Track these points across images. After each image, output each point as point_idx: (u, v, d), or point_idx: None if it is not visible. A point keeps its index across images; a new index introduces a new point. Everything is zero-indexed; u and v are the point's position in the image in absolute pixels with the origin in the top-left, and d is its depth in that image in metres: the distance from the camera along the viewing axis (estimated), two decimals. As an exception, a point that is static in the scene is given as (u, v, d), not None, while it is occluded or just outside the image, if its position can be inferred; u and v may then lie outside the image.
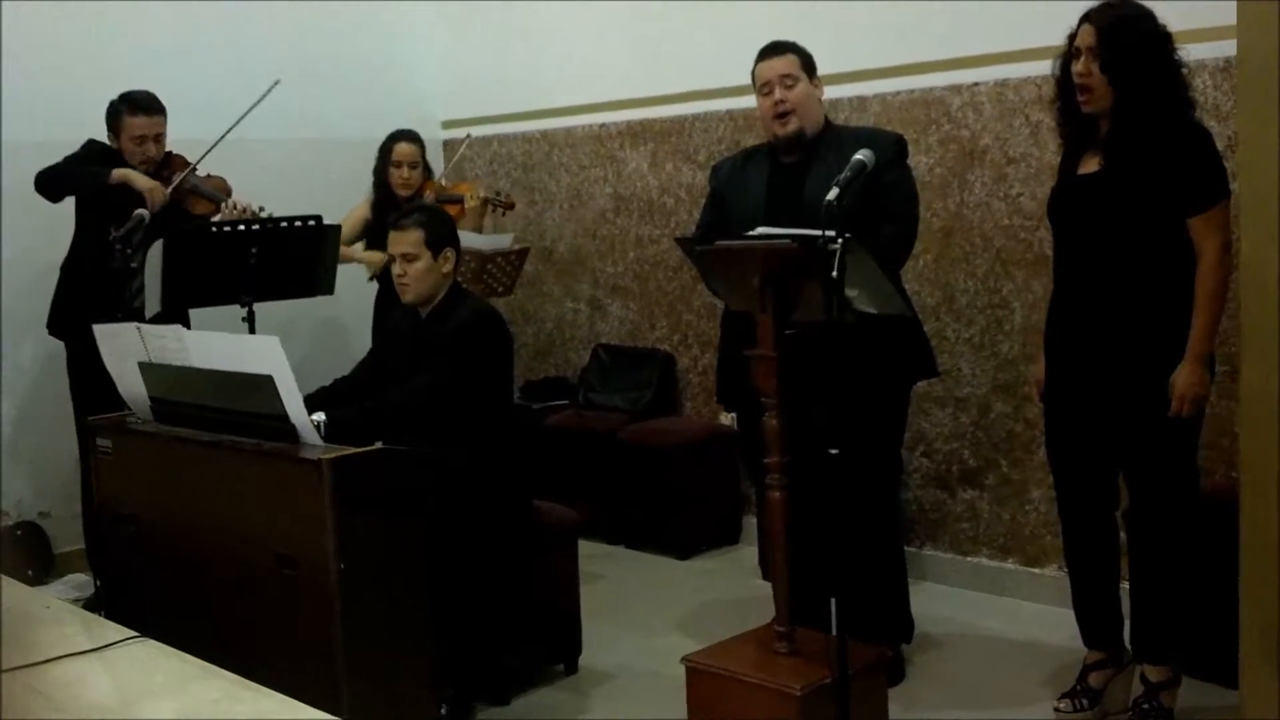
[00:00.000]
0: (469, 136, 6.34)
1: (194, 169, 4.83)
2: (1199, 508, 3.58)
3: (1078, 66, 3.44)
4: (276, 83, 4.71)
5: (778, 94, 3.89)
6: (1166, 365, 3.41)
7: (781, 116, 3.89)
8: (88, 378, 4.63)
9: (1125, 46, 3.37)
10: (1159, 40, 3.41)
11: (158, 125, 4.83)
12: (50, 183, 4.75)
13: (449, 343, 3.88)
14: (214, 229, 4.58)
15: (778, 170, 3.97)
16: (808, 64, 3.95)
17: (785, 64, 3.91)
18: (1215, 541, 3.44)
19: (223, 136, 4.79)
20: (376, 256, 5.27)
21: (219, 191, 4.90)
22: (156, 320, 4.16)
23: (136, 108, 4.79)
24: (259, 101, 4.73)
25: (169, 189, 4.72)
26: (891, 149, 3.89)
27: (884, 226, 3.75)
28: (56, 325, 4.97)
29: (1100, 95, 3.42)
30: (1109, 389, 3.51)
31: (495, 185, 6.22)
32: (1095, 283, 3.50)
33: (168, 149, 4.90)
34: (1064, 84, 3.54)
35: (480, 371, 3.90)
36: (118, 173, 4.71)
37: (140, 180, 4.71)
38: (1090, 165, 3.53)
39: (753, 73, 3.99)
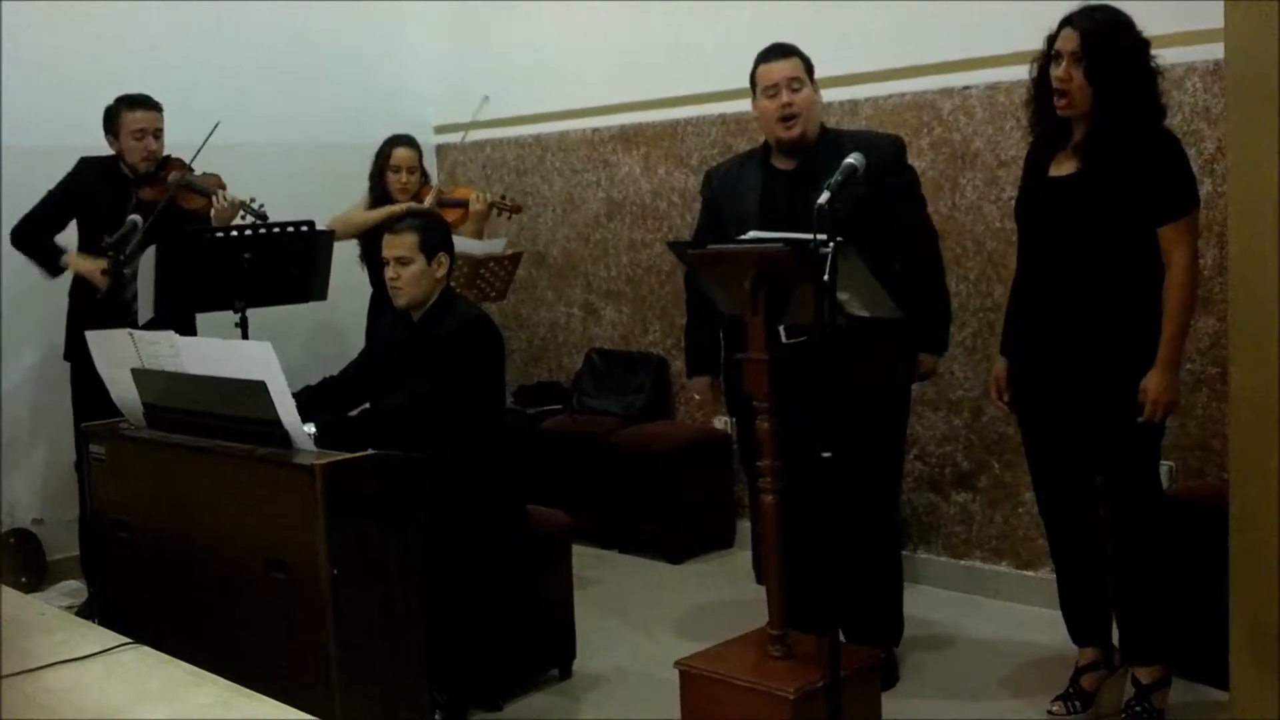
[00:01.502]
0: (486, 98, 6.31)
1: (190, 168, 4.87)
2: (1163, 509, 3.63)
3: (1058, 71, 3.44)
4: (217, 124, 4.77)
5: (785, 97, 3.85)
6: (1132, 370, 3.43)
7: (787, 120, 3.87)
8: (92, 393, 4.66)
9: (1108, 53, 3.37)
10: (1139, 48, 3.42)
11: (155, 120, 4.87)
12: (20, 244, 4.93)
13: (440, 349, 3.87)
14: (207, 235, 4.58)
15: (773, 177, 3.95)
16: (809, 68, 3.94)
17: (791, 67, 3.89)
18: (1205, 542, 3.45)
19: (193, 157, 4.83)
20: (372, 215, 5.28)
21: (212, 185, 4.93)
22: (151, 326, 4.17)
23: (134, 104, 4.85)
24: (205, 142, 4.78)
25: (164, 197, 4.75)
26: (890, 152, 3.91)
27: (898, 232, 3.77)
28: (70, 349, 4.96)
29: (1079, 100, 3.43)
30: (1077, 392, 3.53)
31: (493, 189, 6.22)
32: (1064, 285, 3.51)
33: (166, 152, 4.93)
34: (1040, 86, 3.55)
35: (472, 377, 3.90)
36: (66, 258, 4.85)
37: (84, 264, 4.77)
38: (1064, 167, 3.54)
39: (754, 74, 3.95)
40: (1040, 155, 3.62)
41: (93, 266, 4.71)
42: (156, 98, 4.91)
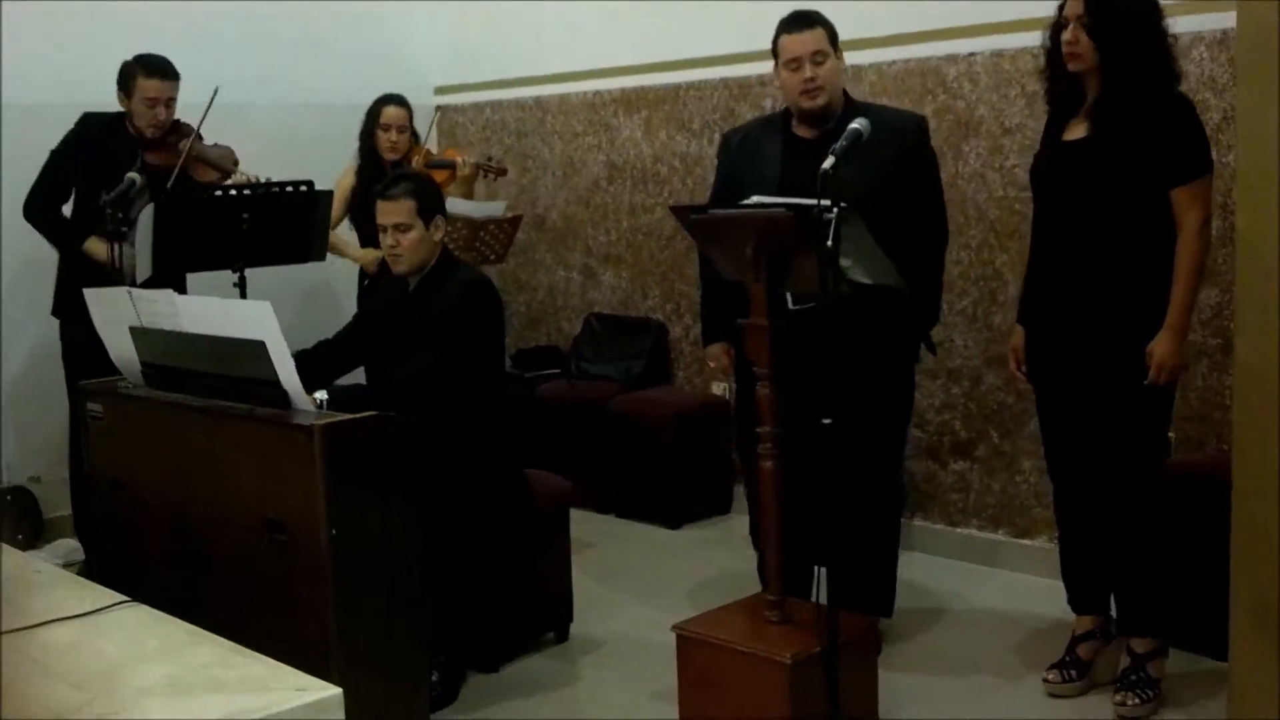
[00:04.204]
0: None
1: (199, 136, 4.81)
2: (1159, 472, 3.62)
3: (1066, 35, 3.44)
4: (217, 90, 4.66)
5: (808, 71, 3.74)
6: (1145, 334, 3.43)
7: (810, 92, 3.78)
8: (83, 351, 4.63)
9: (1113, 16, 3.38)
10: (1147, 10, 3.42)
11: (170, 90, 4.79)
12: (33, 218, 4.85)
13: (443, 316, 3.83)
14: (206, 195, 4.56)
15: (794, 145, 3.86)
16: (833, 37, 3.82)
17: (816, 39, 3.77)
18: (1205, 514, 3.45)
19: (199, 123, 4.77)
20: (370, 255, 5.25)
21: (226, 161, 4.89)
22: (148, 285, 4.15)
23: (152, 70, 4.76)
24: (208, 109, 4.70)
25: (171, 163, 4.71)
26: (918, 131, 3.87)
27: (920, 223, 3.74)
28: (58, 305, 4.95)
29: (1088, 59, 3.43)
30: (1090, 357, 3.53)
31: (486, 151, 6.20)
32: (1079, 249, 3.51)
33: (178, 119, 4.87)
34: (1053, 54, 3.54)
35: (474, 342, 3.88)
36: (88, 246, 4.73)
37: (100, 250, 4.61)
38: (1077, 131, 3.53)
39: (775, 43, 3.85)
40: (1056, 120, 3.61)
41: (106, 253, 4.59)
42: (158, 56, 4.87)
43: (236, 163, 4.91)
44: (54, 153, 4.83)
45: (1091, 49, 3.41)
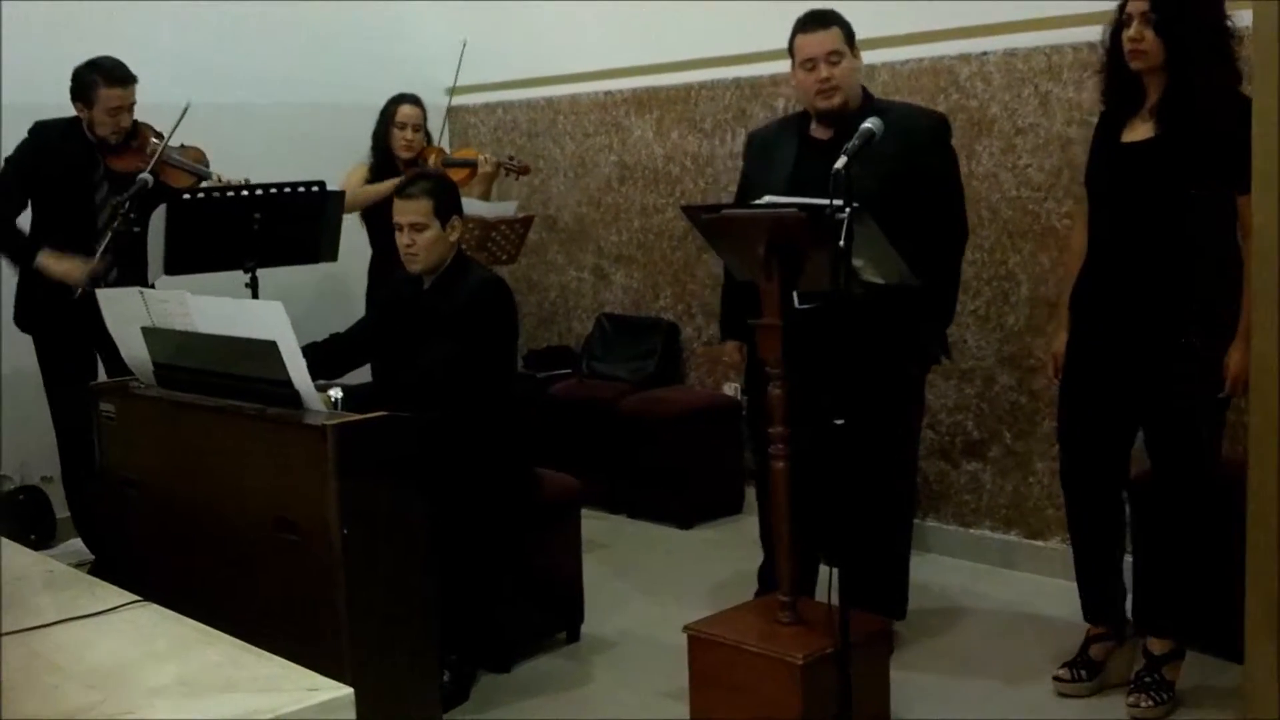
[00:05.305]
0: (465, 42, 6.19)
1: (167, 143, 4.70)
2: (1210, 482, 3.56)
3: (1130, 32, 3.38)
4: (188, 106, 4.55)
5: (823, 71, 3.72)
6: (1207, 340, 3.37)
7: (826, 92, 3.75)
8: (57, 369, 4.66)
9: (1181, 11, 3.32)
10: (1212, 5, 3.37)
11: (132, 95, 4.67)
12: None
13: (458, 315, 3.83)
14: (218, 195, 4.56)
15: (808, 147, 3.83)
16: (850, 36, 3.79)
17: (831, 39, 3.74)
18: (1221, 515, 3.43)
19: (168, 137, 4.70)
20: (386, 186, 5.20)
21: (197, 164, 4.83)
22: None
23: (112, 79, 4.61)
24: (177, 124, 4.62)
25: (148, 167, 4.62)
26: (927, 130, 3.81)
27: (930, 223, 3.67)
28: (24, 318, 4.88)
29: (1153, 57, 3.37)
30: (1145, 359, 3.46)
31: (500, 151, 6.20)
32: (1141, 253, 3.43)
33: (135, 118, 4.76)
34: (1113, 52, 3.48)
35: (489, 342, 3.88)
36: (41, 260, 4.60)
37: (59, 266, 4.58)
38: (1139, 132, 3.47)
39: (791, 43, 3.82)
40: (1112, 121, 3.55)
41: (69, 268, 4.56)
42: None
43: (207, 162, 4.85)
44: (9, 162, 4.73)
45: (1158, 46, 3.34)
